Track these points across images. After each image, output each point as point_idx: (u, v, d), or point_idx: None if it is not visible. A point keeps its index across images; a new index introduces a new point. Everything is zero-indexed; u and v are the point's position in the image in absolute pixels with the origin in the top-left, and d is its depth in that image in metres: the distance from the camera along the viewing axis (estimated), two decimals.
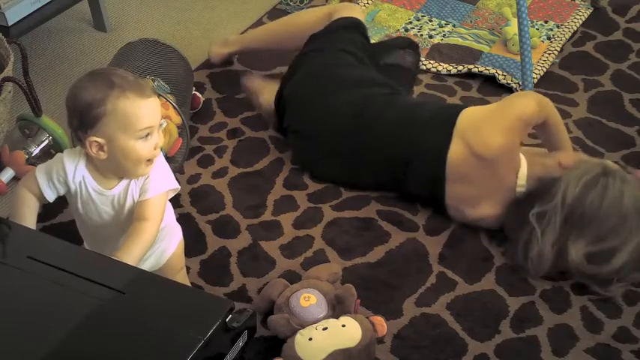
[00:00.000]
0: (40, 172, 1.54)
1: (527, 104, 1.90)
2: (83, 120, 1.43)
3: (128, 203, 1.53)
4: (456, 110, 1.99)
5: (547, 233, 1.80)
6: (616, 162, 2.21)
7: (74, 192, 1.54)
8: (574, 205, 1.77)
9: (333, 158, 2.11)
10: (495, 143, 1.87)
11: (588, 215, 1.77)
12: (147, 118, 1.45)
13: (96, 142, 1.44)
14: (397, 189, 2.08)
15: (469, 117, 1.96)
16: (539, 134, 2.05)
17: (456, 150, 1.92)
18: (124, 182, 1.53)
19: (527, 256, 1.84)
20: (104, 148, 1.45)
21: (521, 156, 1.94)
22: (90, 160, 1.53)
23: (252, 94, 2.42)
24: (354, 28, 2.33)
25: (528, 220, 1.82)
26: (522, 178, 1.92)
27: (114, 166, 1.50)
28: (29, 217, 1.54)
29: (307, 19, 2.43)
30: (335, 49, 2.25)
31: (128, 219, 1.54)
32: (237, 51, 2.60)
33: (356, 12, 2.39)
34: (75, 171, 1.52)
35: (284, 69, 2.37)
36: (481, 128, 1.90)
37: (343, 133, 2.06)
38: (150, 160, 1.51)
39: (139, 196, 1.52)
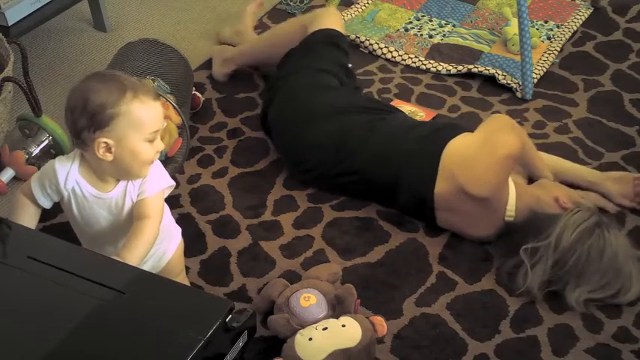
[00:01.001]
0: (34, 181, 1.55)
1: (513, 141, 1.88)
2: (94, 120, 1.43)
3: (127, 205, 1.54)
4: (441, 142, 1.94)
5: (536, 272, 1.79)
6: (616, 162, 2.22)
7: (67, 198, 1.54)
8: (567, 251, 1.77)
9: (322, 180, 2.10)
10: (488, 184, 1.87)
11: (582, 264, 1.77)
12: (157, 121, 1.49)
13: (105, 142, 1.45)
14: (390, 206, 2.08)
15: (454, 153, 1.92)
16: None
17: (442, 186, 1.91)
18: (122, 185, 1.53)
19: (510, 281, 1.84)
20: (111, 150, 1.46)
21: (511, 184, 1.93)
22: (84, 165, 1.53)
23: None
24: (332, 43, 2.27)
25: (517, 253, 1.82)
26: (511, 210, 1.91)
27: (116, 169, 1.50)
28: (28, 223, 1.54)
29: (284, 33, 2.38)
30: (314, 69, 2.19)
31: (126, 222, 1.54)
32: (235, 69, 2.54)
33: (333, 21, 2.32)
34: (67, 177, 1.52)
35: None
36: (472, 169, 1.87)
37: (328, 162, 2.05)
38: (152, 163, 1.53)
39: (137, 196, 1.53)
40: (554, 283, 1.81)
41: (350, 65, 2.32)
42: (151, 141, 1.49)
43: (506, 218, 1.91)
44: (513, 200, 1.91)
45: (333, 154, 2.03)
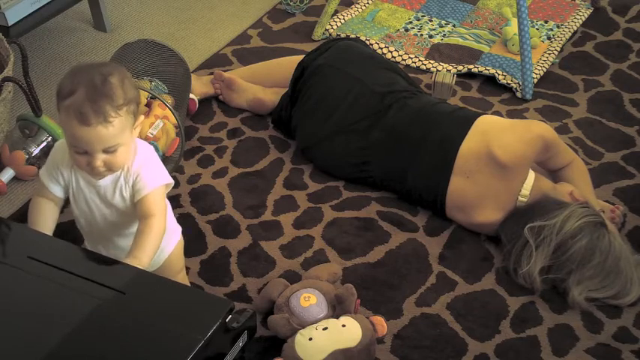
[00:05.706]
0: (42, 171, 1.53)
1: (549, 128, 1.96)
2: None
3: (116, 199, 1.51)
4: (476, 113, 2.07)
5: (539, 253, 1.80)
6: (616, 162, 2.22)
7: (67, 180, 1.52)
8: (569, 236, 1.79)
9: (346, 133, 2.11)
10: (514, 151, 1.90)
11: (583, 257, 1.78)
12: (82, 142, 1.40)
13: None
14: (400, 182, 2.07)
15: (489, 120, 2.03)
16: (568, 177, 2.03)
17: (470, 143, 1.96)
18: (112, 175, 1.50)
19: (516, 270, 1.85)
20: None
21: (531, 171, 1.96)
22: None
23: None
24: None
25: (523, 233, 1.83)
26: (527, 188, 1.93)
27: None
28: (48, 223, 1.51)
29: (288, 65, 2.35)
30: (367, 44, 2.46)
31: (119, 217, 1.53)
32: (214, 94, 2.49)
33: None
34: (65, 157, 1.49)
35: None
36: (505, 133, 1.94)
37: (367, 107, 2.09)
38: (88, 172, 1.47)
39: (135, 195, 1.50)
40: (554, 271, 1.81)
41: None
42: (81, 153, 1.42)
43: (520, 198, 1.93)
44: (531, 182, 1.94)
45: (374, 101, 2.10)
